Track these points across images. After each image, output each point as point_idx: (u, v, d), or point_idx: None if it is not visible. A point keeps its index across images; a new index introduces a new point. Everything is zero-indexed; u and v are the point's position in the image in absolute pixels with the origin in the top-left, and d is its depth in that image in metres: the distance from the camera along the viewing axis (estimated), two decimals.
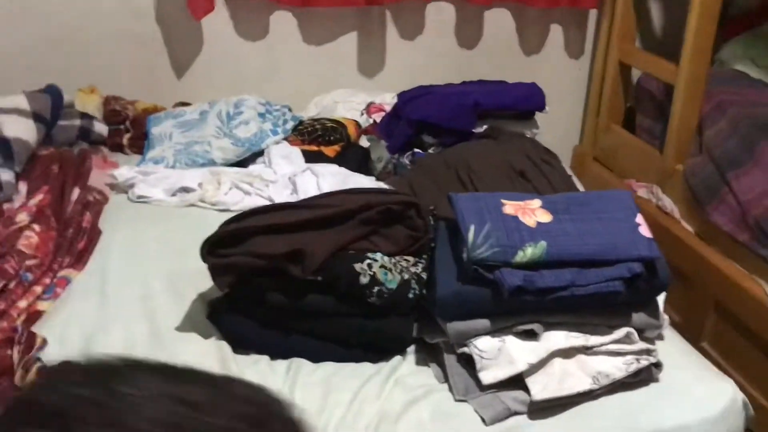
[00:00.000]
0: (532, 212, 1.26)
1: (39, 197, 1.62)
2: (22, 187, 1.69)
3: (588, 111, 2.74)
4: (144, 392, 0.45)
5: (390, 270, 1.27)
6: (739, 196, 1.92)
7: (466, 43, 2.57)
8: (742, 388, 1.29)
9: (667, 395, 1.23)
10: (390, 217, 1.34)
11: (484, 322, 1.21)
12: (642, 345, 1.23)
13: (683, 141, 2.19)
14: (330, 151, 1.98)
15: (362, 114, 2.21)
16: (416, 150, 1.88)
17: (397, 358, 1.30)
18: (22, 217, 1.55)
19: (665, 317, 1.32)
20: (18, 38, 2.17)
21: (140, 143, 2.05)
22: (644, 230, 1.25)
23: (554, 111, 2.16)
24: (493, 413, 1.16)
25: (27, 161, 1.77)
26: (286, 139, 2.03)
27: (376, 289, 1.24)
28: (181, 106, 2.21)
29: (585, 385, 1.18)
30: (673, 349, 1.32)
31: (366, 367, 1.27)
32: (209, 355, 1.28)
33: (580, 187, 1.80)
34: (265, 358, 1.29)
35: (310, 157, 1.93)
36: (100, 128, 2.04)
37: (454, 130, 1.86)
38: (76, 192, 1.70)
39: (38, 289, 1.40)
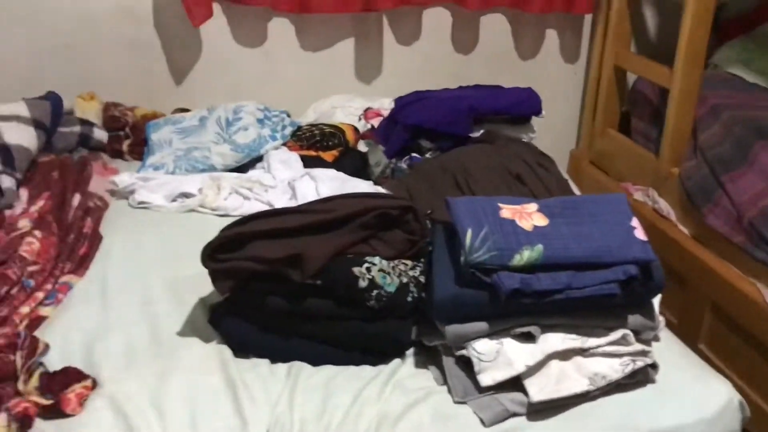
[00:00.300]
0: (529, 216, 1.28)
1: (40, 203, 1.63)
2: (23, 193, 1.70)
3: (584, 115, 2.76)
4: None
5: (388, 274, 1.28)
6: (733, 199, 1.94)
7: (463, 48, 2.59)
8: (738, 389, 1.30)
9: (664, 396, 1.24)
10: (388, 221, 1.36)
11: (481, 325, 1.22)
12: (638, 346, 1.24)
13: (678, 144, 2.21)
14: (328, 156, 2.00)
15: (360, 119, 2.22)
16: (413, 154, 1.90)
17: (397, 360, 1.31)
18: (24, 224, 1.56)
19: (661, 319, 1.33)
20: (17, 45, 2.18)
21: (140, 149, 2.06)
22: (639, 233, 1.26)
23: (550, 115, 2.18)
24: (492, 415, 1.18)
25: (28, 168, 1.78)
26: (284, 144, 2.04)
27: (374, 292, 1.26)
28: (180, 112, 2.22)
29: (582, 386, 1.19)
30: (669, 351, 1.34)
31: (366, 370, 1.28)
32: (210, 358, 1.29)
33: (576, 191, 1.81)
34: (266, 361, 1.30)
35: (309, 162, 1.95)
36: (100, 135, 2.05)
37: (450, 134, 1.88)
38: (77, 198, 1.71)
39: (40, 294, 1.41)
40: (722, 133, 2.09)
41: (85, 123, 2.04)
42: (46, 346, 1.26)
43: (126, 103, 2.22)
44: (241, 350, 1.31)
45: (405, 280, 1.29)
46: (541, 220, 1.27)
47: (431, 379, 1.27)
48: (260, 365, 1.29)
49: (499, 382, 1.19)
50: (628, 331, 1.24)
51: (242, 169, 1.97)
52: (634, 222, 1.29)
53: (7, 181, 1.68)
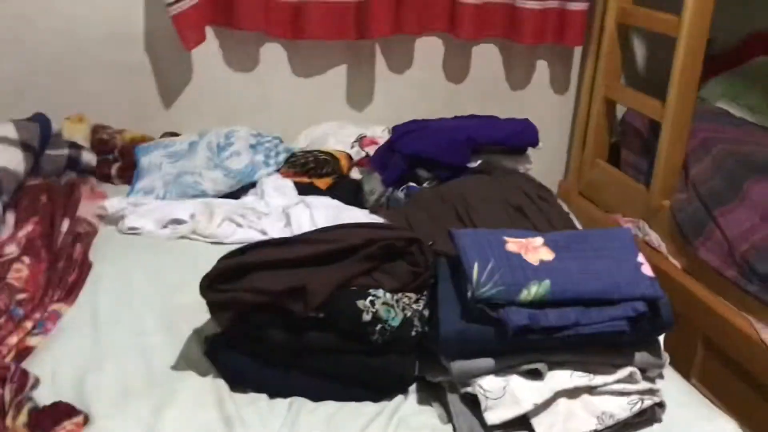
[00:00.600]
0: (536, 250, 1.26)
1: (28, 228, 1.58)
2: (10, 217, 1.65)
3: (573, 146, 2.77)
4: None
5: (392, 307, 1.25)
6: (726, 233, 1.95)
7: (454, 77, 2.59)
8: None
9: None
10: (392, 253, 1.33)
11: (488, 361, 1.20)
12: (646, 384, 1.23)
13: (670, 177, 2.22)
14: (322, 183, 1.98)
15: (353, 146, 2.21)
16: (411, 184, 1.88)
17: (399, 397, 1.27)
18: (11, 249, 1.51)
19: (666, 356, 1.32)
20: (5, 66, 2.15)
21: (129, 173, 2.03)
22: (646, 269, 1.26)
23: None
24: None
25: (15, 191, 1.73)
26: (277, 170, 2.02)
27: (378, 326, 1.23)
28: (169, 136, 2.19)
29: (590, 425, 1.17)
30: (671, 387, 1.32)
31: (368, 406, 1.25)
32: (206, 393, 1.25)
33: (578, 225, 1.80)
34: (264, 396, 1.26)
35: (302, 190, 1.93)
36: (89, 158, 2.01)
37: (448, 164, 1.87)
38: (66, 223, 1.67)
39: (29, 324, 1.36)
40: (713, 168, 2.10)
41: (74, 146, 2.00)
42: (37, 380, 1.21)
43: (115, 125, 2.18)
44: (239, 384, 1.27)
45: (409, 313, 1.27)
46: (548, 255, 1.26)
47: (435, 417, 1.24)
48: (259, 400, 1.25)
49: (506, 421, 1.16)
50: (635, 369, 1.23)
51: (235, 195, 1.94)
52: (641, 258, 1.28)
53: None
